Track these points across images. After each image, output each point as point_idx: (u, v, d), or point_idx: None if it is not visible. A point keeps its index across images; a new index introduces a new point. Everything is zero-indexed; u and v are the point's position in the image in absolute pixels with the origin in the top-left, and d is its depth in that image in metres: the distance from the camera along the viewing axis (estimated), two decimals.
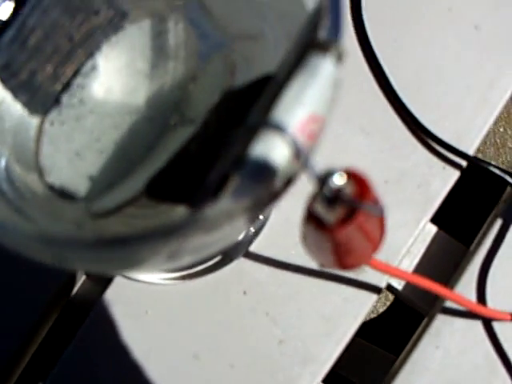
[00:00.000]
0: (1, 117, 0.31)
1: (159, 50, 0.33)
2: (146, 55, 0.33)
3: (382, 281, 0.41)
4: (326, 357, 0.40)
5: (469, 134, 0.43)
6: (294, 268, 0.40)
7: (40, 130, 0.32)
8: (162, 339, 0.40)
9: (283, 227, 0.40)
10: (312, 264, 0.40)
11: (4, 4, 0.30)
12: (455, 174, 0.43)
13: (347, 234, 0.26)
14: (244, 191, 0.23)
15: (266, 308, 0.40)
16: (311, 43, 0.25)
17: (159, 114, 0.33)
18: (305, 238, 0.28)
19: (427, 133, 0.43)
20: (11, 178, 0.31)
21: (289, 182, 0.25)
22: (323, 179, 0.24)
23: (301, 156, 0.23)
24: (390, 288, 0.43)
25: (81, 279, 0.43)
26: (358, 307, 0.40)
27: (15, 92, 0.31)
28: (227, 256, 0.40)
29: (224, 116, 0.31)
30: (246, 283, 0.40)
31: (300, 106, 0.24)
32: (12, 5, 0.30)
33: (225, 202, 0.24)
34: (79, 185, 0.32)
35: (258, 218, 0.32)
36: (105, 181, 0.32)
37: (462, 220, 0.49)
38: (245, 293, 0.40)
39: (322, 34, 0.25)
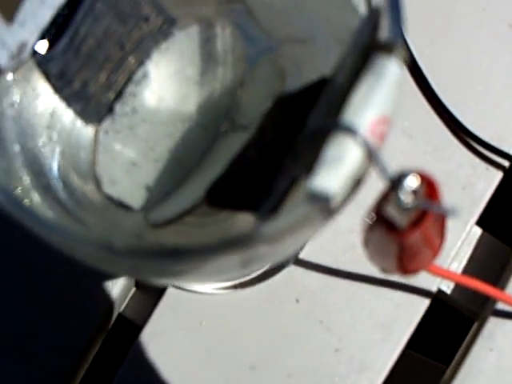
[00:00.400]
0: (56, 126, 0.31)
1: (208, 56, 0.33)
2: (195, 61, 0.33)
3: (433, 285, 0.41)
4: (382, 363, 0.39)
5: (510, 134, 0.43)
6: (344, 274, 0.40)
7: (95, 140, 0.32)
8: (217, 350, 0.39)
9: (332, 233, 0.40)
10: (362, 270, 0.40)
11: None
12: (498, 175, 0.43)
13: (415, 238, 0.26)
14: (318, 197, 0.23)
15: (320, 316, 0.40)
16: (373, 45, 0.25)
17: (211, 121, 0.33)
18: (368, 243, 0.28)
19: (468, 133, 0.43)
20: (69, 188, 0.30)
21: (358, 183, 0.25)
22: (397, 181, 0.23)
23: (373, 157, 0.23)
24: (438, 293, 0.42)
25: (130, 292, 0.42)
26: (412, 312, 0.40)
27: (69, 101, 0.31)
28: (278, 263, 0.40)
29: (280, 121, 0.31)
30: (298, 291, 0.40)
31: (370, 108, 0.23)
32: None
33: (298, 210, 0.23)
34: (137, 195, 0.32)
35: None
36: (162, 190, 0.32)
37: (506, 221, 0.49)
38: (297, 301, 0.40)
39: (384, 35, 0.25)
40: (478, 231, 0.43)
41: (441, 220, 0.27)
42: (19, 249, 0.40)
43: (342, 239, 0.40)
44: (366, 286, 0.40)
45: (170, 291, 0.40)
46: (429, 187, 0.25)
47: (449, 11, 0.45)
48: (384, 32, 0.25)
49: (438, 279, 0.41)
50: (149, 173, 0.32)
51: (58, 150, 0.31)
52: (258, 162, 0.30)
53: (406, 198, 0.23)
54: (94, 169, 0.32)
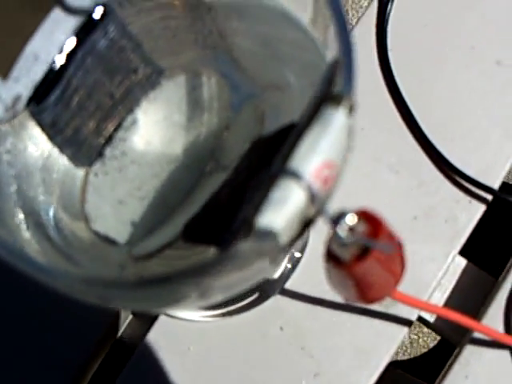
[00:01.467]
0: (49, 169, 0.34)
1: (194, 103, 0.36)
2: (182, 109, 0.36)
3: (412, 314, 0.43)
4: None
5: (494, 169, 0.45)
6: (327, 304, 0.42)
7: (85, 181, 0.35)
8: (203, 374, 0.42)
9: (317, 264, 0.42)
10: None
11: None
12: (481, 208, 0.45)
13: (365, 269, 0.28)
14: (263, 234, 0.25)
15: (302, 342, 0.42)
16: (325, 96, 0.27)
17: (196, 162, 0.36)
18: (328, 276, 0.30)
19: (453, 169, 0.45)
20: (59, 226, 0.33)
21: (308, 224, 0.27)
22: (336, 220, 0.26)
23: (315, 200, 0.25)
24: (421, 319, 0.44)
25: (128, 318, 0.45)
26: (390, 340, 0.42)
27: (61, 147, 0.34)
28: (264, 293, 0.42)
29: (254, 163, 0.33)
30: (283, 319, 0.42)
31: (314, 154, 0.26)
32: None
33: (248, 244, 0.26)
34: (122, 231, 0.34)
35: (282, 257, 0.34)
36: (146, 226, 0.35)
37: (490, 252, 0.51)
38: (281, 328, 0.42)
39: (337, 87, 0.27)
40: (462, 262, 0.45)
41: (392, 253, 0.29)
42: None
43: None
44: (347, 315, 0.42)
45: (162, 318, 0.43)
46: (371, 224, 0.27)
47: (437, 50, 0.47)
48: (338, 85, 0.28)
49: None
50: (134, 210, 0.35)
51: (50, 190, 0.34)
52: (229, 201, 0.32)
53: (344, 234, 0.26)
54: (83, 207, 0.34)
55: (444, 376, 0.42)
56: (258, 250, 0.26)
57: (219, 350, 0.42)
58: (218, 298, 0.31)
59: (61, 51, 0.32)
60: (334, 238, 0.27)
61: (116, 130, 0.35)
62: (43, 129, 0.33)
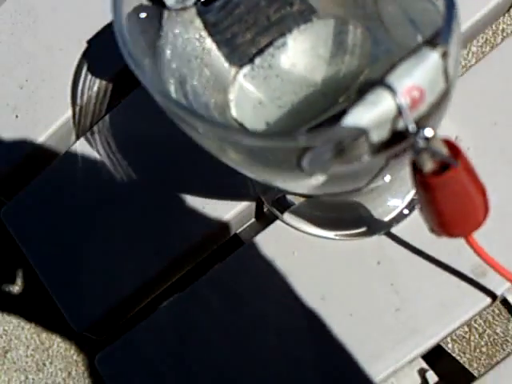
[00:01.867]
0: (206, 60, 0.40)
1: (339, 44, 0.40)
2: (327, 45, 0.40)
3: (498, 289, 0.45)
4: (431, 333, 0.45)
5: None
6: (425, 255, 0.46)
7: (234, 78, 0.40)
8: (299, 278, 0.47)
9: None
10: (442, 257, 0.46)
11: None
12: None
13: (443, 186, 0.32)
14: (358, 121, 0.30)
15: (393, 279, 0.46)
16: (426, 41, 0.31)
17: (332, 92, 0.40)
18: (420, 203, 0.34)
19: None
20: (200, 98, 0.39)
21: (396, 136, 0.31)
22: (417, 131, 0.30)
23: (403, 112, 0.30)
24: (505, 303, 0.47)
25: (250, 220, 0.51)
26: (470, 305, 0.45)
27: (219, 45, 0.40)
28: (372, 228, 0.46)
29: None
30: (382, 255, 0.46)
31: (407, 76, 0.30)
32: None
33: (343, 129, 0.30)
34: (256, 126, 0.40)
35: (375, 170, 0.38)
36: (277, 129, 0.40)
37: None
38: (378, 263, 0.46)
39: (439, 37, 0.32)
40: None
41: (479, 189, 0.33)
42: None
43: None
44: (439, 270, 0.46)
45: (278, 223, 0.48)
46: (452, 150, 0.32)
47: None
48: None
49: (507, 284, 0.45)
50: (271, 113, 0.40)
51: (203, 76, 0.40)
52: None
53: (420, 141, 0.30)
54: (227, 96, 0.40)
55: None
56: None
57: (319, 263, 0.47)
58: (319, 179, 0.35)
59: None
60: (414, 146, 0.31)
61: (267, 46, 0.40)
62: (206, 26, 0.39)
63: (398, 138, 0.32)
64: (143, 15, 0.37)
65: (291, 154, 0.33)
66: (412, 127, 0.30)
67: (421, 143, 0.31)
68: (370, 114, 0.30)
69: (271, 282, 0.48)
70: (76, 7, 0.58)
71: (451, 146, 0.32)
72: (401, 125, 0.31)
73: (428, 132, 0.30)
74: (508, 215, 0.46)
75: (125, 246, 0.52)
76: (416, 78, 0.30)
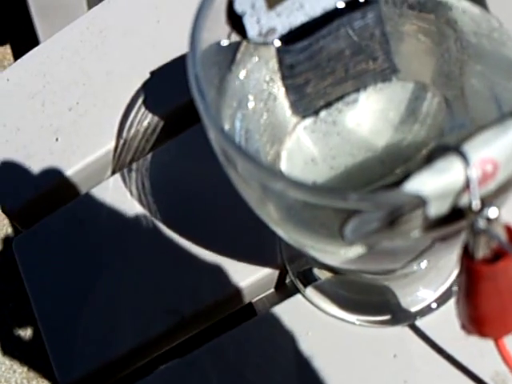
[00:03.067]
0: (269, 105, 0.39)
1: (411, 111, 0.39)
2: (399, 110, 0.39)
3: None
4: None
5: None
6: (446, 355, 0.43)
7: (293, 128, 0.39)
8: (308, 362, 0.45)
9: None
10: (462, 358, 0.43)
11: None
12: None
13: (493, 277, 0.30)
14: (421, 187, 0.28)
15: (407, 376, 0.43)
16: None
17: (390, 162, 0.39)
18: (457, 295, 0.32)
19: None
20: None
21: (457, 212, 0.29)
22: (480, 209, 0.28)
23: (471, 185, 0.28)
24: None
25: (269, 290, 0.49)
26: None
27: (288, 90, 0.39)
28: (396, 318, 0.44)
29: None
30: (401, 348, 0.44)
31: (485, 147, 0.29)
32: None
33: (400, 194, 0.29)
34: None
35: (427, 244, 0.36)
36: None
37: None
38: (395, 356, 0.44)
39: None
40: None
41: None
42: None
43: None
44: (458, 372, 0.43)
45: (298, 298, 0.46)
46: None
47: None
48: None
49: None
50: (321, 173, 0.39)
51: (261, 121, 0.39)
52: None
53: (481, 222, 0.28)
54: (281, 147, 0.39)
55: None
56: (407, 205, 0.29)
57: (331, 349, 0.45)
58: (358, 250, 0.33)
59: (325, 12, 0.37)
60: (472, 227, 0.29)
61: (337, 100, 0.39)
62: (281, 67, 0.38)
63: (455, 216, 0.30)
64: (225, 43, 0.36)
65: (336, 216, 0.31)
66: (476, 204, 0.29)
67: (481, 224, 0.29)
68: (436, 183, 0.28)
69: (277, 364, 0.45)
70: (148, 35, 0.57)
71: (511, 232, 0.30)
72: (464, 201, 0.29)
73: (492, 212, 0.29)
74: None
75: (130, 300, 0.50)
76: (493, 150, 0.29)
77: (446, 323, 0.44)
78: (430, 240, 0.32)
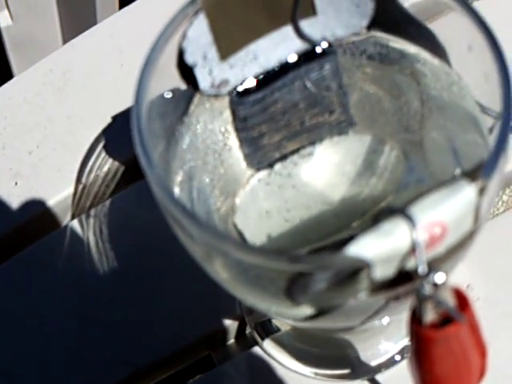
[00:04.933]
0: (222, 157, 0.38)
1: (368, 165, 0.39)
2: (356, 163, 0.39)
3: None
4: None
5: None
6: None
7: (247, 181, 0.38)
8: None
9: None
10: None
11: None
12: None
13: (441, 342, 0.29)
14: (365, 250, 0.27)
15: None
16: (465, 172, 0.29)
17: (346, 215, 0.38)
18: (410, 347, 0.31)
19: None
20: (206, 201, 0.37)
21: (402, 276, 0.29)
22: (426, 274, 0.27)
23: (417, 249, 0.27)
24: None
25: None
26: None
27: (242, 143, 0.38)
28: (355, 373, 0.43)
29: None
30: None
31: (432, 210, 0.28)
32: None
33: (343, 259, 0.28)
34: (256, 237, 0.37)
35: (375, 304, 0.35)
36: (278, 244, 0.38)
37: None
38: None
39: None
40: None
41: (480, 350, 0.30)
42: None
43: None
44: None
45: (256, 350, 0.45)
46: (460, 301, 0.28)
47: None
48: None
49: None
50: (276, 226, 0.38)
51: (215, 173, 0.38)
52: None
53: (427, 287, 0.27)
54: (234, 200, 0.38)
55: None
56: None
57: None
58: (308, 310, 0.32)
59: (278, 63, 0.37)
60: (419, 292, 0.28)
61: (292, 153, 0.38)
62: (234, 119, 0.37)
63: (403, 278, 0.29)
64: (169, 95, 0.36)
65: (280, 277, 0.30)
66: (422, 269, 0.28)
67: (427, 289, 0.28)
68: (380, 246, 0.28)
69: None
70: (111, 79, 0.56)
71: (460, 296, 0.29)
72: (410, 264, 0.28)
73: (439, 278, 0.28)
74: (506, 379, 0.42)
75: (84, 350, 0.48)
76: (442, 212, 0.28)
77: (407, 376, 0.43)
78: (383, 300, 0.31)
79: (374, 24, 0.37)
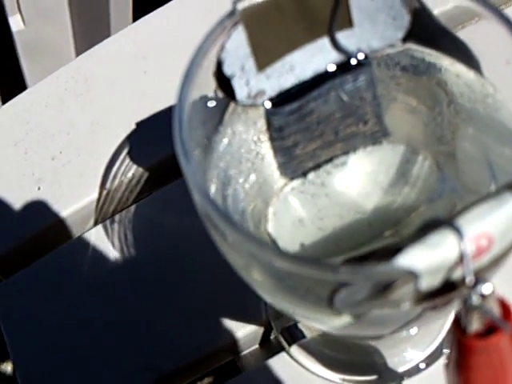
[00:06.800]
0: (256, 166, 0.38)
1: (401, 174, 0.39)
2: (389, 173, 0.39)
3: None
4: None
5: None
6: None
7: (280, 190, 0.38)
8: None
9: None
10: None
11: None
12: None
13: (484, 352, 0.29)
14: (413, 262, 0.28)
15: None
16: (509, 185, 0.29)
17: (379, 224, 0.39)
18: (448, 356, 0.32)
19: None
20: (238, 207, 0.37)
21: (449, 286, 0.29)
22: (474, 285, 0.28)
23: (464, 260, 0.28)
24: None
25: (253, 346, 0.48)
26: None
27: (276, 152, 0.38)
28: (382, 379, 0.44)
29: None
30: None
31: (480, 222, 0.28)
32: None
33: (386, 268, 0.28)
34: (289, 246, 0.38)
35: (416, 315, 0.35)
36: (311, 253, 0.38)
37: None
38: None
39: None
40: None
41: None
42: None
43: None
44: None
45: (283, 356, 0.45)
46: (504, 311, 0.29)
47: None
48: None
49: None
50: (309, 234, 0.38)
51: (248, 182, 0.38)
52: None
53: (475, 298, 0.27)
54: (267, 208, 0.38)
55: None
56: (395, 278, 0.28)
57: None
58: (346, 319, 0.32)
59: (314, 74, 0.37)
60: (465, 301, 0.28)
61: (326, 162, 0.39)
62: (269, 129, 0.38)
63: (447, 289, 0.29)
64: (212, 104, 0.36)
65: (323, 287, 0.30)
66: (470, 280, 0.28)
67: (475, 300, 0.28)
68: (429, 258, 0.28)
69: None
70: (134, 85, 0.56)
71: (504, 306, 0.30)
72: (457, 274, 0.29)
73: (487, 288, 0.28)
74: None
75: (110, 356, 0.48)
76: (489, 224, 0.28)
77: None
78: (420, 309, 0.32)
79: (409, 36, 0.37)
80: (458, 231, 0.28)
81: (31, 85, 0.78)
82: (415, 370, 0.45)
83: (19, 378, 0.49)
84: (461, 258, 0.28)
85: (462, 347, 0.30)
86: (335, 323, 0.34)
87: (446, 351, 0.44)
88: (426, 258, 0.28)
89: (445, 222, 0.28)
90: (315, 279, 0.30)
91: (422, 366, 0.45)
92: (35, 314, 0.51)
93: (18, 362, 0.50)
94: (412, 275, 0.28)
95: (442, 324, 0.45)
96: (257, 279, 0.34)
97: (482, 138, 0.38)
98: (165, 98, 0.54)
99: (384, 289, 0.29)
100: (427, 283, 0.28)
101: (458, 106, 0.38)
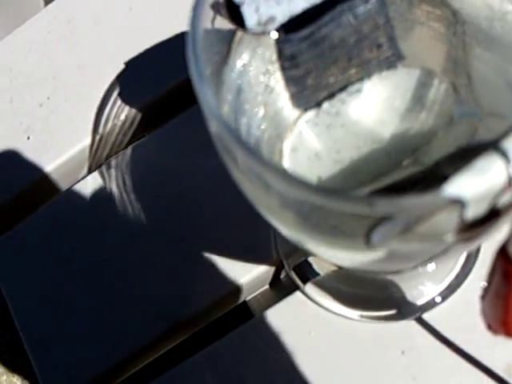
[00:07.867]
0: (268, 98, 0.36)
1: (418, 99, 0.37)
2: (405, 98, 0.37)
3: None
4: None
5: None
6: (455, 349, 0.42)
7: (294, 122, 0.37)
8: (313, 364, 0.43)
9: (462, 310, 0.42)
10: (472, 352, 0.41)
11: None
12: None
13: None
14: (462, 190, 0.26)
15: (416, 373, 0.41)
16: None
17: (397, 152, 0.37)
18: (486, 291, 0.30)
19: None
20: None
21: (494, 212, 0.27)
22: None
23: None
24: None
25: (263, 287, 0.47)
26: None
27: (288, 82, 0.36)
28: (401, 313, 0.42)
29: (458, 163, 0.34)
30: (409, 344, 0.42)
31: None
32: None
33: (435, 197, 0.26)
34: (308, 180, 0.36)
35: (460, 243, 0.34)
36: (330, 185, 0.36)
37: None
38: (403, 352, 0.42)
39: None
40: None
41: None
42: None
43: (471, 315, 0.42)
44: (469, 367, 0.41)
45: (297, 295, 0.44)
46: None
47: None
48: None
49: None
50: (326, 168, 0.36)
51: (258, 111, 0.36)
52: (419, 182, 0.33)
53: None
54: (282, 142, 0.36)
55: None
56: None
57: (336, 349, 0.43)
58: (378, 254, 0.31)
59: None
60: None
61: (340, 90, 0.37)
62: (280, 58, 0.36)
63: (491, 217, 0.28)
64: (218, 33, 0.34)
65: (359, 222, 0.28)
66: None
67: None
68: (477, 184, 0.26)
69: (280, 366, 0.43)
70: (120, 24, 0.54)
71: None
72: (503, 200, 0.27)
73: None
74: None
75: (117, 306, 0.47)
76: None
77: (453, 316, 0.42)
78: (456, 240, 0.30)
79: None
80: (504, 155, 0.26)
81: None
82: (433, 303, 0.44)
83: (23, 338, 0.48)
84: (509, 183, 0.26)
85: (505, 275, 0.29)
86: (363, 259, 0.32)
87: (464, 285, 0.43)
88: (475, 185, 0.26)
89: (490, 146, 0.26)
90: (348, 215, 0.28)
91: (438, 299, 0.43)
92: (35, 268, 0.49)
93: (20, 321, 0.48)
94: (459, 204, 0.26)
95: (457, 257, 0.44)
96: (277, 213, 0.32)
97: (501, 59, 0.37)
98: (152, 35, 0.51)
99: (426, 221, 0.27)
100: (473, 212, 0.27)
101: (472, 26, 0.36)
